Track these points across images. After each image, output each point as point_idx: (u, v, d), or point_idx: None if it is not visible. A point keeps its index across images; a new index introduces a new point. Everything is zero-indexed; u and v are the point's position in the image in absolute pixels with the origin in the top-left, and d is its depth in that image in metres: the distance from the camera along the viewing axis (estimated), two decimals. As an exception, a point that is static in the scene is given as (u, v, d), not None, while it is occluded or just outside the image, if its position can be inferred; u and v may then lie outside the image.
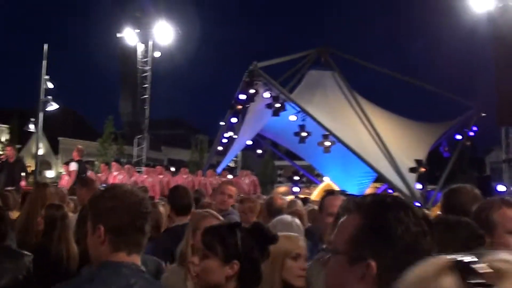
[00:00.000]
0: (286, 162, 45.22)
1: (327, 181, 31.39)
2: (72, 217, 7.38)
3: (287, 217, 6.11)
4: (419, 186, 25.10)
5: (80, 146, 19.78)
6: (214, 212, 4.55)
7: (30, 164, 56.15)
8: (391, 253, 1.93)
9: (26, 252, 5.20)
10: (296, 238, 4.24)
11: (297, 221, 5.99)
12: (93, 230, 3.00)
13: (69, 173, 19.05)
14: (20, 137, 58.11)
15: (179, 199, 6.56)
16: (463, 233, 3.21)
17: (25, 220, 7.33)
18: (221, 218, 4.49)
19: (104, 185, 17.76)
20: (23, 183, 18.30)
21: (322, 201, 5.25)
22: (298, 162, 39.64)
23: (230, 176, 26.04)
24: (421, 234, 1.97)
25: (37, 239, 6.56)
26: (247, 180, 25.08)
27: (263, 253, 3.22)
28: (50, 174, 63.57)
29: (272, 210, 7.51)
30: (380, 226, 1.97)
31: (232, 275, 3.09)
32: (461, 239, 3.12)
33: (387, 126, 28.07)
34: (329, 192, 5.46)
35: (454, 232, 3.18)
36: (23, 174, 18.55)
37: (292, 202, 9.84)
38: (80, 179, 8.49)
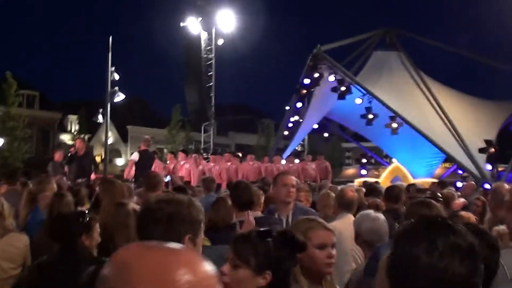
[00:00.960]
0: (353, 144, 45.00)
1: (395, 163, 31.13)
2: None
3: (371, 213, 6.02)
4: (489, 166, 24.67)
5: (147, 136, 20.06)
6: (322, 220, 4.31)
7: (100, 153, 57.46)
8: (422, 281, 1.95)
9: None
10: (319, 227, 4.14)
11: (381, 216, 5.89)
12: None
13: (129, 162, 19.51)
14: (89, 127, 59.34)
15: (240, 195, 6.63)
16: None
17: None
18: (330, 227, 4.24)
19: (168, 176, 17.98)
20: (93, 175, 18.69)
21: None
22: (365, 144, 39.40)
23: (297, 161, 25.95)
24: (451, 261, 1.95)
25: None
26: (314, 165, 24.93)
27: (293, 261, 3.18)
28: (120, 162, 64.78)
29: (343, 203, 7.48)
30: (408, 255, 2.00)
31: (264, 286, 3.05)
32: None
33: (455, 105, 27.62)
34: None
35: None
36: (92, 167, 18.93)
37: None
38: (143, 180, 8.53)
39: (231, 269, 3.11)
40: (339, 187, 12.89)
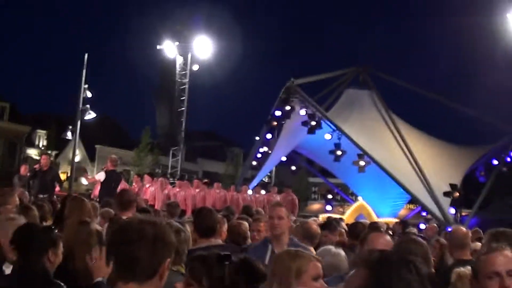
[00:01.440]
0: (320, 179, 45.19)
1: (360, 201, 31.30)
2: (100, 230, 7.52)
3: (332, 248, 6.16)
4: (452, 210, 24.96)
5: (113, 156, 19.92)
6: (314, 255, 4.37)
7: (66, 171, 57.01)
8: None
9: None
10: (310, 258, 4.16)
11: (342, 252, 6.05)
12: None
13: (96, 182, 19.42)
14: (57, 143, 58.95)
15: (203, 221, 6.66)
16: None
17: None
18: (321, 262, 4.23)
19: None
20: (57, 189, 18.69)
21: (366, 236, 5.28)
22: (332, 180, 39.63)
23: (263, 192, 26.01)
24: None
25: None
26: (278, 197, 25.01)
27: None
28: (85, 181, 64.25)
29: (308, 235, 7.58)
30: (382, 282, 2.07)
31: None
32: None
33: (423, 148, 27.95)
34: (374, 228, 5.51)
35: None
36: (55, 183, 18.88)
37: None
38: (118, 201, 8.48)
39: (184, 286, 3.10)
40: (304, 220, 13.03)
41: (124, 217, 7.47)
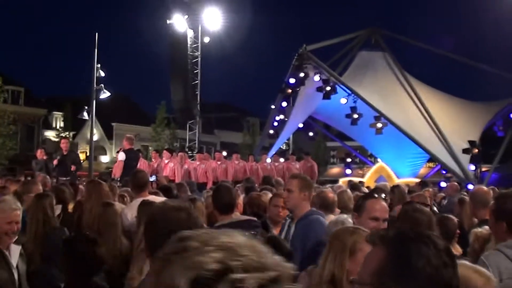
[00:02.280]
0: (338, 143, 45.15)
1: (379, 163, 31.30)
2: (125, 209, 7.60)
3: (344, 217, 6.17)
4: (472, 167, 24.89)
5: (129, 135, 19.93)
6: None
7: (85, 150, 57.33)
8: (413, 285, 2.06)
9: None
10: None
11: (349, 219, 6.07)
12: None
13: (118, 162, 19.46)
14: (74, 124, 59.24)
15: (222, 199, 6.70)
16: None
17: (77, 218, 7.57)
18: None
19: (154, 176, 17.95)
20: (72, 168, 18.91)
21: (362, 203, 5.25)
22: (350, 143, 39.61)
23: (282, 160, 26.00)
24: (441, 266, 2.09)
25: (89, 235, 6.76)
26: (298, 165, 25.00)
27: None
28: (105, 159, 64.68)
29: (324, 205, 7.56)
30: (402, 259, 2.11)
31: None
32: None
33: (440, 106, 27.82)
34: (370, 195, 5.48)
35: None
36: (75, 166, 19.03)
37: (340, 194, 9.90)
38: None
39: None
40: (321, 188, 13.05)
41: (138, 198, 7.57)
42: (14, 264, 5.77)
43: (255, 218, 6.92)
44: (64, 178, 17.40)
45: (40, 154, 19.71)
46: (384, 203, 5.25)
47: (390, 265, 2.12)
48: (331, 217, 7.42)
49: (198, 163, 22.97)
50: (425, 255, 2.10)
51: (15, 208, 5.96)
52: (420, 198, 9.20)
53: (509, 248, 4.41)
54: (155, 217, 3.16)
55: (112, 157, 54.25)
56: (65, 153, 18.81)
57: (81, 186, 15.56)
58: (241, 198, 8.79)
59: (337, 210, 8.33)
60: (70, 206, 9.16)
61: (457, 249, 6.09)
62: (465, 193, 14.62)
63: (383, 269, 2.13)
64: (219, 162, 23.16)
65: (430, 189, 14.02)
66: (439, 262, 2.10)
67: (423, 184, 17.24)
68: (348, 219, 6.05)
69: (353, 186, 14.87)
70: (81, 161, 20.91)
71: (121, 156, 18.26)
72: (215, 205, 6.76)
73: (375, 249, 2.22)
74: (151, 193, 8.76)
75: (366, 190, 14.03)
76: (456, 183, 15.74)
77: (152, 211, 3.23)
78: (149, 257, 3.12)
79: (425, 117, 26.46)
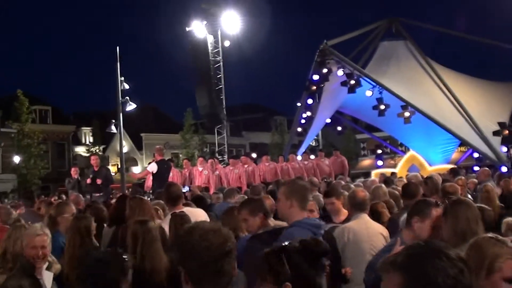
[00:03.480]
0: (367, 135, 44.99)
1: (411, 152, 31.15)
2: (161, 223, 7.67)
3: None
4: (504, 149, 24.71)
5: (159, 146, 20.11)
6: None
7: (116, 163, 57.80)
8: None
9: None
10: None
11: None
12: (179, 269, 3.14)
13: (148, 174, 19.54)
14: (103, 138, 59.75)
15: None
16: None
17: (120, 236, 7.63)
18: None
19: (187, 187, 18.04)
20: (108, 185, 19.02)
21: (428, 210, 5.30)
22: (379, 134, 39.52)
23: (312, 157, 26.00)
24: (459, 274, 2.13)
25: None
26: (327, 161, 25.02)
27: (317, 267, 3.29)
28: (136, 170, 65.00)
29: (356, 204, 7.55)
30: (421, 280, 2.15)
31: None
32: None
33: (466, 90, 27.65)
34: (436, 203, 5.41)
35: None
36: (108, 181, 19.12)
37: (375, 190, 9.91)
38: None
39: (258, 282, 3.26)
40: (352, 185, 13.03)
41: (174, 211, 7.64)
42: None
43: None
44: (98, 194, 17.62)
45: (74, 172, 19.88)
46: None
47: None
48: (364, 216, 7.46)
49: (231, 168, 23.05)
50: (441, 269, 2.13)
51: (40, 233, 6.06)
52: (451, 188, 9.18)
53: None
54: (194, 246, 3.06)
55: (144, 167, 54.49)
56: (96, 169, 18.98)
57: (114, 200, 15.79)
58: (269, 201, 8.55)
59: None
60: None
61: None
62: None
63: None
64: (246, 165, 23.21)
65: (463, 177, 13.86)
66: (456, 271, 2.14)
67: (455, 172, 17.07)
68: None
69: (386, 180, 14.84)
70: (112, 176, 20.97)
71: (153, 167, 18.31)
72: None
73: (389, 277, 2.26)
74: (184, 205, 8.85)
75: (398, 186, 14.00)
76: (487, 168, 15.63)
77: (189, 239, 3.10)
78: (192, 286, 3.06)
79: (452, 102, 26.32)
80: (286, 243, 3.35)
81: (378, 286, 2.42)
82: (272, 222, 7.12)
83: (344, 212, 8.06)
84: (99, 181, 18.45)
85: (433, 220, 5.19)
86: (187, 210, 8.06)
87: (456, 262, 2.17)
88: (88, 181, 18.66)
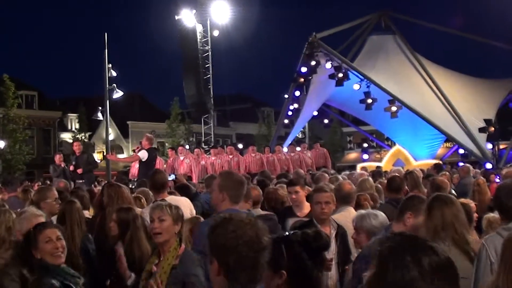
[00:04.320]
0: (354, 129, 45.11)
1: (396, 146, 31.26)
2: (144, 212, 7.65)
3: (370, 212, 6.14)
4: (489, 145, 24.83)
5: (149, 134, 19.83)
6: None
7: (102, 150, 57.60)
8: None
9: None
10: None
11: (382, 215, 6.01)
12: (210, 260, 3.12)
13: (135, 161, 19.30)
14: (89, 125, 59.52)
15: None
16: None
17: (99, 223, 7.62)
18: None
19: (173, 174, 17.87)
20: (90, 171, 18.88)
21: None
22: (365, 128, 39.60)
23: (298, 149, 25.98)
24: (418, 278, 2.12)
25: (112, 242, 6.81)
26: (309, 153, 25.05)
27: (316, 260, 3.28)
28: (122, 157, 64.88)
29: (342, 196, 7.54)
30: (380, 275, 2.18)
31: (281, 283, 3.16)
32: None
33: (453, 86, 27.77)
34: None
35: None
36: (89, 167, 18.96)
37: (362, 182, 9.91)
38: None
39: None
40: (339, 176, 13.07)
41: (158, 199, 7.60)
42: None
43: (271, 213, 6.95)
44: (81, 181, 17.51)
45: (58, 159, 19.61)
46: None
47: (372, 282, 2.20)
48: (350, 209, 7.45)
49: (213, 158, 22.97)
50: (402, 269, 2.12)
51: (39, 214, 6.02)
52: (442, 184, 9.19)
53: (507, 230, 4.46)
54: (231, 239, 3.01)
55: (129, 155, 54.35)
56: (78, 155, 18.81)
57: (99, 187, 15.69)
58: (256, 192, 8.57)
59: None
60: (90, 212, 9.24)
61: (474, 236, 6.06)
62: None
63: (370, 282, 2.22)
64: (231, 156, 23.15)
65: (447, 173, 13.97)
66: (415, 274, 2.12)
67: (438, 167, 17.16)
68: (380, 213, 6.06)
69: (375, 174, 14.88)
70: (95, 161, 20.71)
71: (144, 154, 17.97)
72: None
73: (371, 266, 2.27)
74: (170, 193, 8.83)
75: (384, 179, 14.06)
76: (467, 165, 15.64)
77: (224, 232, 3.05)
78: (224, 278, 3.04)
79: (439, 98, 26.44)
80: (287, 234, 3.36)
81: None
82: (258, 212, 7.17)
83: (307, 205, 7.81)
84: (79, 171, 18.30)
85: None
86: (172, 198, 8.03)
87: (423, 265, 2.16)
88: (71, 168, 18.50)
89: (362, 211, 6.32)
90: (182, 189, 10.44)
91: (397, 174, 10.56)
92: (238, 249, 2.95)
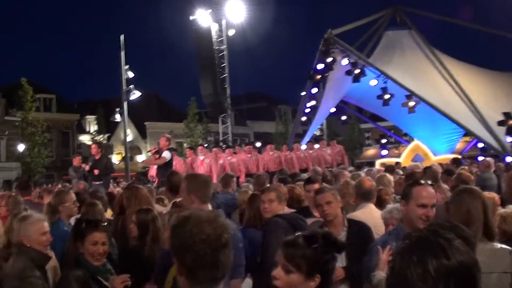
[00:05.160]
0: (372, 125, 44.96)
1: (415, 142, 31.10)
2: (165, 211, 7.65)
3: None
4: (509, 139, 24.60)
5: (167, 135, 19.73)
6: None
7: (121, 151, 57.87)
8: None
9: None
10: None
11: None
12: (174, 259, 3.01)
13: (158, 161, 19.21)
14: (108, 126, 59.88)
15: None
16: None
17: (120, 226, 7.63)
18: None
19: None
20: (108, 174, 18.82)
21: (409, 191, 5.15)
22: (383, 124, 39.48)
23: (316, 146, 25.95)
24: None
25: (132, 244, 6.83)
26: (329, 150, 25.01)
27: (335, 261, 3.28)
28: (140, 158, 65.05)
29: (362, 193, 7.51)
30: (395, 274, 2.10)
31: None
32: None
33: (470, 79, 27.55)
34: (416, 182, 5.32)
35: None
36: (106, 170, 18.85)
37: (380, 178, 9.86)
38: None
39: (284, 273, 3.22)
40: (360, 173, 13.01)
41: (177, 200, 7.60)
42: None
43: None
44: (97, 183, 17.54)
45: (77, 161, 19.54)
46: (430, 189, 5.14)
47: (389, 279, 2.15)
48: (371, 206, 7.43)
49: (230, 157, 22.96)
50: (406, 269, 2.06)
51: (44, 219, 6.03)
52: (468, 178, 9.14)
53: None
54: (192, 237, 2.91)
55: (148, 156, 54.50)
56: (97, 157, 18.73)
57: (119, 189, 15.72)
58: (285, 190, 8.58)
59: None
60: (109, 214, 9.28)
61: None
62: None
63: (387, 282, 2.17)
64: (249, 155, 23.16)
65: (466, 167, 13.85)
66: (417, 276, 2.04)
67: (457, 162, 17.00)
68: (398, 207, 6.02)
69: (387, 169, 14.75)
70: (113, 166, 20.52)
71: (167, 154, 17.84)
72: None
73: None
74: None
75: (401, 172, 14.00)
76: (488, 159, 15.47)
77: (183, 230, 2.95)
78: (185, 278, 2.93)
79: (456, 92, 26.24)
80: (306, 233, 3.32)
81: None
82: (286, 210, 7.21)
83: None
84: (96, 172, 18.27)
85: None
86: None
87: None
88: (87, 168, 18.45)
89: (389, 206, 6.29)
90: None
91: (416, 170, 10.51)
92: (194, 247, 2.84)
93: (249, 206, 7.79)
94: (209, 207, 5.82)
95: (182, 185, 5.98)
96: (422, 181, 5.19)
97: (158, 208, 7.87)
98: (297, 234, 3.30)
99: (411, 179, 8.82)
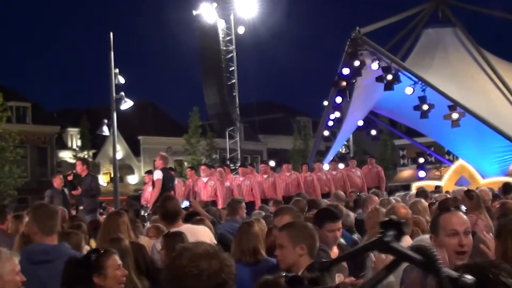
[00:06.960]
0: (408, 141, 44.96)
1: (460, 161, 31.02)
2: (157, 243, 7.68)
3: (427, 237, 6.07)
4: None
5: (163, 153, 19.59)
6: None
7: (109, 171, 57.89)
8: None
9: None
10: None
11: None
12: None
13: (152, 183, 19.14)
14: (93, 141, 59.86)
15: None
16: None
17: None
18: None
19: (186, 201, 17.76)
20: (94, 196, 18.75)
21: (436, 221, 5.13)
22: (422, 140, 39.38)
23: (341, 166, 25.94)
24: None
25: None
26: (359, 171, 24.96)
27: None
28: (132, 179, 65.12)
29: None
30: None
31: None
32: None
33: (528, 87, 27.50)
34: (443, 209, 5.35)
35: None
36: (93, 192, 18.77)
37: (413, 204, 9.81)
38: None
39: None
40: (392, 198, 12.94)
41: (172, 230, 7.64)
42: None
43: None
44: (81, 207, 17.56)
45: (58, 182, 19.38)
46: (461, 215, 5.12)
47: None
48: (406, 239, 7.39)
49: (241, 178, 22.83)
50: None
51: (14, 254, 6.03)
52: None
53: None
54: (184, 271, 2.95)
55: (141, 176, 54.53)
56: (83, 175, 18.65)
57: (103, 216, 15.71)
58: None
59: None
60: (92, 243, 9.29)
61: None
62: None
63: None
64: (265, 176, 22.99)
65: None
66: None
67: (508, 186, 16.79)
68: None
69: (419, 193, 14.63)
70: (98, 187, 20.27)
71: (158, 174, 17.86)
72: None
73: None
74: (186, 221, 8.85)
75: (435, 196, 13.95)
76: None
77: (177, 264, 3.01)
78: None
79: (510, 102, 26.19)
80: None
81: None
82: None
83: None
84: (77, 192, 18.27)
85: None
86: (187, 227, 8.02)
87: None
88: (78, 192, 18.43)
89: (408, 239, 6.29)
90: (191, 217, 10.37)
91: (452, 196, 10.44)
92: (185, 282, 2.96)
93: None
94: (55, 239, 6.20)
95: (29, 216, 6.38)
96: (452, 208, 5.19)
97: (142, 239, 7.93)
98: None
99: (442, 208, 8.84)
